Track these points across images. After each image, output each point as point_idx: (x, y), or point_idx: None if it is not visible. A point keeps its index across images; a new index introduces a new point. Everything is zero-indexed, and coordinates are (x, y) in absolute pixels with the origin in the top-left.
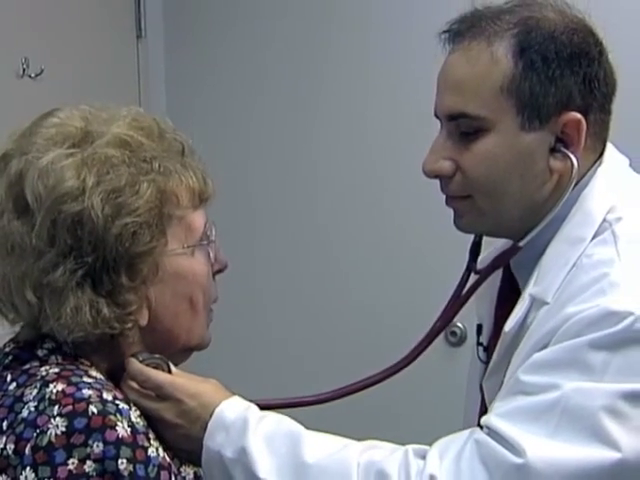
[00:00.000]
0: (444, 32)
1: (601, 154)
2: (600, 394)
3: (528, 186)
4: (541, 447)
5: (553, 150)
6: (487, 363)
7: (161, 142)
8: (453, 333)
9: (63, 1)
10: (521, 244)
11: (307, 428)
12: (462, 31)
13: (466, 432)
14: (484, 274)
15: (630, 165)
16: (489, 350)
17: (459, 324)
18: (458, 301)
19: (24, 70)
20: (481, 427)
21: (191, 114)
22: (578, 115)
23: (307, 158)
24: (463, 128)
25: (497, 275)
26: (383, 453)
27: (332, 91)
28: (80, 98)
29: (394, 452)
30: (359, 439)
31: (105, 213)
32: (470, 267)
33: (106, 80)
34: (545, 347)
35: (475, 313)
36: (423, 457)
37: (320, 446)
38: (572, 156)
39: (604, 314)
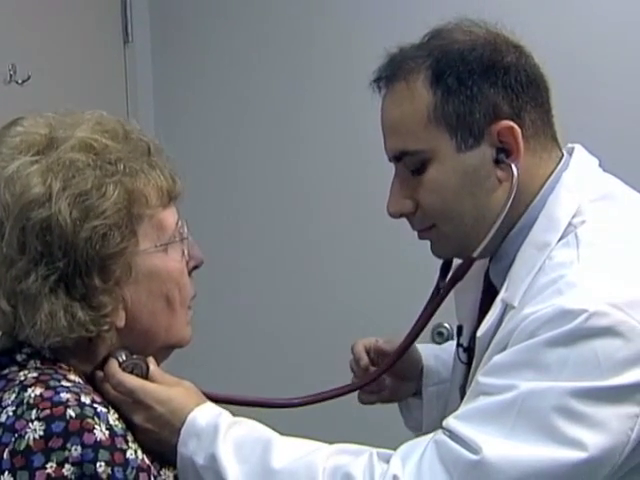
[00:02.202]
0: (374, 81)
1: (565, 153)
2: (554, 394)
3: (482, 201)
4: (497, 445)
5: (497, 161)
6: (468, 364)
7: (126, 143)
8: (440, 334)
9: (50, 7)
10: (474, 255)
11: (282, 430)
12: (386, 76)
13: (429, 435)
14: (446, 289)
15: (600, 165)
16: (471, 352)
17: (446, 324)
18: (424, 317)
19: (11, 76)
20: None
21: (179, 118)
22: (509, 122)
23: (295, 159)
24: (409, 165)
25: (479, 281)
26: (349, 457)
27: (321, 98)
28: (67, 104)
29: (359, 456)
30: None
31: (73, 217)
32: (439, 285)
33: (94, 86)
34: (505, 348)
35: (455, 315)
36: (387, 461)
37: (288, 451)
38: (512, 164)
39: (558, 313)
